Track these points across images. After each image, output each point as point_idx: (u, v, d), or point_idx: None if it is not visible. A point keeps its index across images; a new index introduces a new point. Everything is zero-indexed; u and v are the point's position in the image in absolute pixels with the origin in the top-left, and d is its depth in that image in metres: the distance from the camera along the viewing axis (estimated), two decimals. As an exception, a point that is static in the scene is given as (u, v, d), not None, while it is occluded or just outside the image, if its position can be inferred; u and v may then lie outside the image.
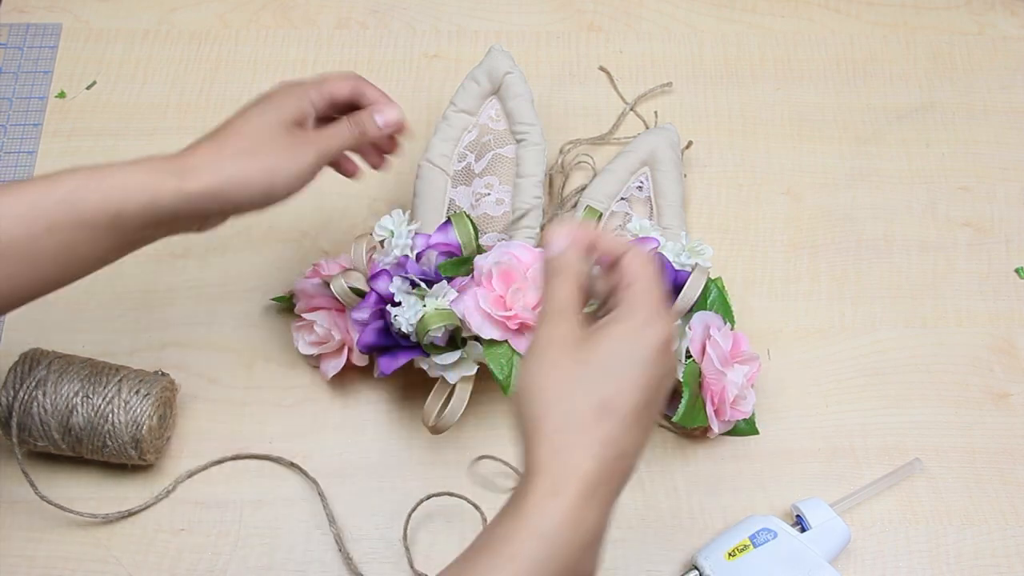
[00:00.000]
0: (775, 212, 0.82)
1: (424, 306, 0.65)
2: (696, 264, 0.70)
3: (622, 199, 0.77)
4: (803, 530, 0.66)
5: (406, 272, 0.67)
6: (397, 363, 0.66)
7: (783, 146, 0.85)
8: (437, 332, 0.65)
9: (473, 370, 0.68)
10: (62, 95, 0.84)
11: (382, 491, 0.70)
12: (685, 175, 0.80)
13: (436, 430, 0.68)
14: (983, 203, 0.83)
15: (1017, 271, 0.80)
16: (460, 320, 0.66)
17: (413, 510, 0.67)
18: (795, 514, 0.67)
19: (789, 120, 0.86)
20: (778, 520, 0.66)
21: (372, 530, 0.68)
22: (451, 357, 0.66)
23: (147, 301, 0.75)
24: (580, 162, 0.81)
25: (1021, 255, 0.81)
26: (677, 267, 0.69)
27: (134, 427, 0.65)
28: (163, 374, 0.69)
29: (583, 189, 0.78)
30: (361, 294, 0.68)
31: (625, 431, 0.45)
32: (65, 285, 0.56)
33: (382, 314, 0.67)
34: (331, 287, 0.68)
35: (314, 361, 0.73)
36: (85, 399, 0.65)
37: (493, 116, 0.76)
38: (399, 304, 0.66)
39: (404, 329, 0.65)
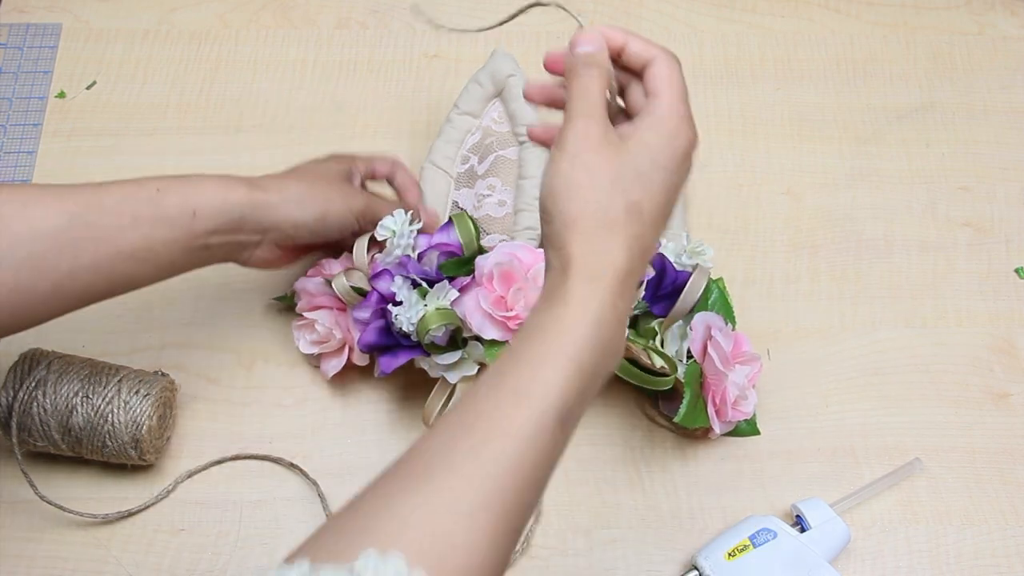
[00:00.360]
0: (775, 212, 0.82)
1: (425, 306, 0.65)
2: (697, 265, 0.70)
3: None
4: (803, 530, 0.66)
5: (408, 272, 0.67)
6: (398, 362, 0.66)
7: (783, 146, 0.85)
8: (438, 332, 0.65)
9: (474, 370, 0.68)
10: (62, 95, 0.84)
11: (382, 491, 0.69)
12: (685, 175, 0.80)
13: (436, 430, 0.68)
14: (983, 203, 0.83)
15: (1017, 271, 0.80)
16: (461, 320, 0.66)
17: (413, 510, 0.67)
18: (795, 514, 0.67)
19: (789, 120, 0.86)
20: (778, 520, 0.66)
21: (372, 530, 0.68)
22: (452, 357, 0.66)
23: (147, 301, 0.75)
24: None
25: (1021, 255, 0.81)
26: (678, 268, 0.69)
27: (134, 427, 0.65)
28: (163, 374, 0.69)
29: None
30: (363, 293, 0.68)
31: (650, 230, 0.49)
32: (132, 290, 0.61)
33: (383, 313, 0.67)
34: (333, 285, 0.68)
35: (315, 360, 0.73)
36: (85, 399, 0.65)
37: (496, 118, 0.76)
38: (400, 303, 0.66)
39: (405, 328, 0.65)
